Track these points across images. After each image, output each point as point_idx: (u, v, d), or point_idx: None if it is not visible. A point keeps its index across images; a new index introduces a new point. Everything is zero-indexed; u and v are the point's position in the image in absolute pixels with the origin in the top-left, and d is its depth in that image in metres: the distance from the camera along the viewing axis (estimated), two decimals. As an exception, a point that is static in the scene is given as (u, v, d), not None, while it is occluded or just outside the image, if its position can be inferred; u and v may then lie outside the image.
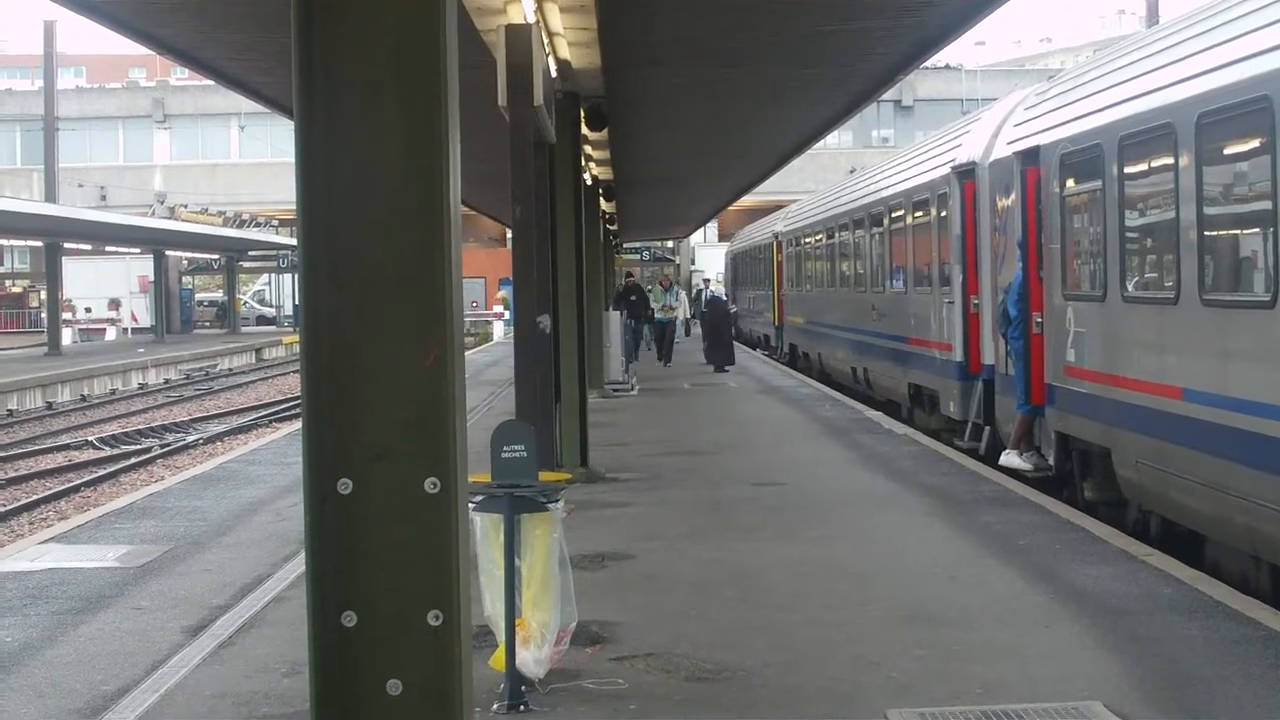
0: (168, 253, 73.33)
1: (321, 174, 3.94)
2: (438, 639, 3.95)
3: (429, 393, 3.94)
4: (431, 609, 3.94)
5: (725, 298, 48.04)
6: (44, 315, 65.43)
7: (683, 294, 49.38)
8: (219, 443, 33.37)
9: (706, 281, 63.83)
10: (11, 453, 31.48)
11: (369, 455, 3.93)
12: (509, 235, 71.13)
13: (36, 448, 32.66)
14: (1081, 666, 9.58)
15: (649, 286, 53.61)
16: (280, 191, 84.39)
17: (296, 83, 3.94)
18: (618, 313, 36.91)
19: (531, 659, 9.03)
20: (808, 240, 41.21)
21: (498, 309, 77.37)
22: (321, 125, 3.94)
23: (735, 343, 44.49)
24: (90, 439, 33.90)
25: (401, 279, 3.93)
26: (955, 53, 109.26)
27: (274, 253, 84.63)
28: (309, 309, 3.94)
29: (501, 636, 8.93)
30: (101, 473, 28.02)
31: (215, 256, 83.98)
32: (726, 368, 40.15)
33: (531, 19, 14.99)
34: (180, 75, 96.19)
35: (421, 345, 3.93)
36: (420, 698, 3.95)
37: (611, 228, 48.02)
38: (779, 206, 56.96)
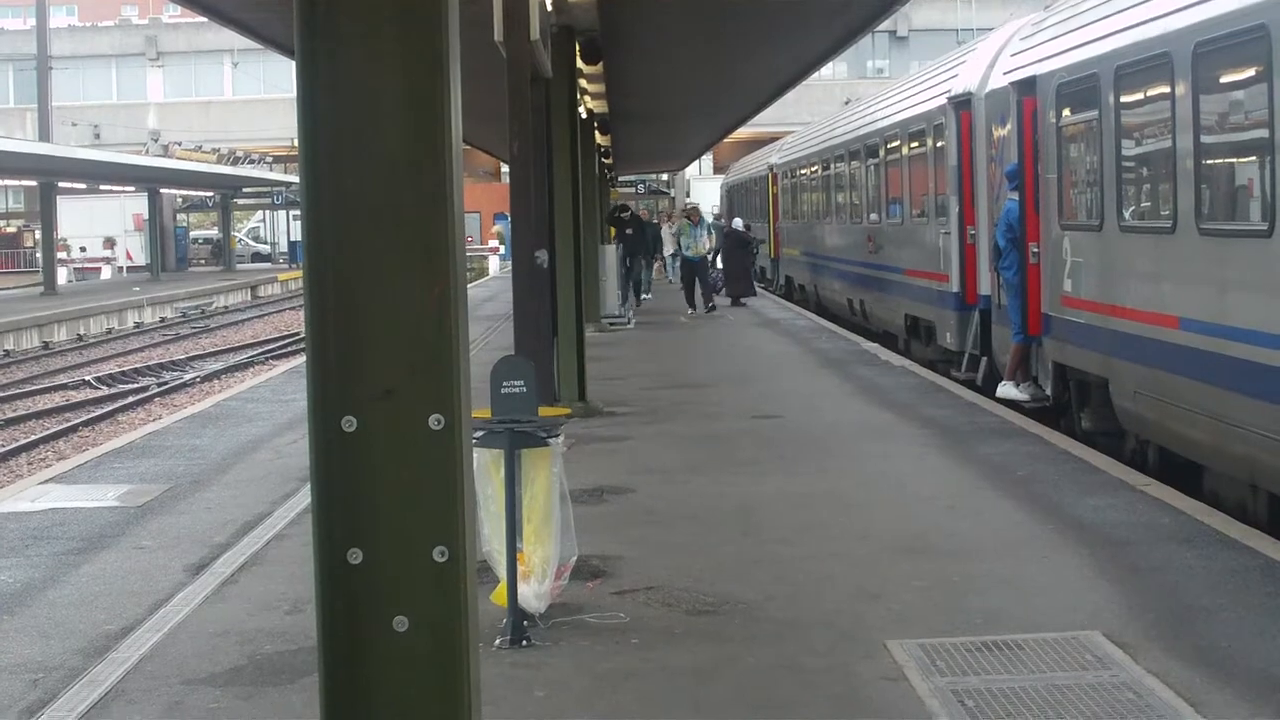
0: (162, 191, 73.14)
1: (323, 112, 3.93)
2: (444, 575, 3.96)
3: (433, 329, 3.94)
4: (437, 545, 3.95)
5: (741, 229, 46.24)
6: (39, 255, 65.27)
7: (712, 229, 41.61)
8: (216, 381, 33.40)
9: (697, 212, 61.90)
10: (9, 393, 31.49)
11: (374, 393, 3.93)
12: (503, 169, 70.99)
13: (34, 388, 32.70)
14: (1081, 597, 9.62)
15: (673, 222, 51.00)
16: (274, 127, 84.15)
17: (297, 20, 3.93)
18: (613, 246, 36.76)
19: (532, 594, 9.07)
20: (803, 172, 41.15)
21: (493, 243, 77.23)
22: (323, 63, 3.93)
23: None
24: (87, 378, 33.93)
25: (405, 215, 3.92)
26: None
27: (268, 189, 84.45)
28: (312, 248, 3.94)
29: (502, 572, 8.96)
30: (99, 412, 28.06)
31: (210, 194, 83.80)
32: (744, 300, 39.78)
33: (526, -48, 14.92)
34: (173, 13, 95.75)
35: (425, 282, 3.93)
36: (427, 634, 3.97)
37: (607, 161, 47.89)
38: (774, 138, 56.81)
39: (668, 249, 48.38)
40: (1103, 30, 15.37)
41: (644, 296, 42.37)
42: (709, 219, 47.92)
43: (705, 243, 38.78)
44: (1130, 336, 14.53)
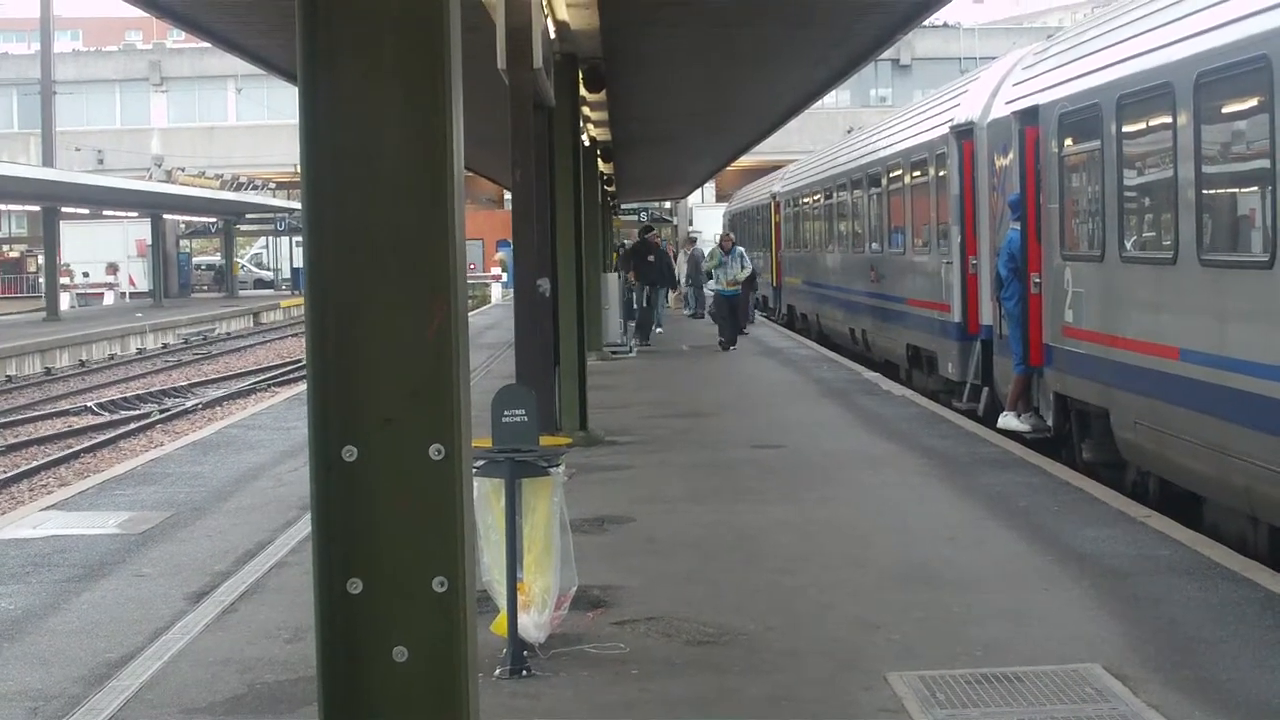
0: (165, 216, 73.19)
1: (325, 140, 3.94)
2: (443, 605, 3.96)
3: (433, 358, 3.95)
4: (437, 575, 3.96)
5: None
6: (42, 280, 65.35)
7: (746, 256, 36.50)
8: (218, 407, 33.38)
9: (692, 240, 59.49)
10: (11, 419, 31.47)
11: (374, 422, 3.94)
12: (506, 197, 71.07)
13: (36, 414, 32.66)
14: (1081, 628, 9.61)
15: (686, 250, 49.37)
16: (277, 154, 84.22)
17: (300, 47, 3.94)
18: (615, 274, 36.56)
19: (532, 624, 9.06)
20: (805, 201, 41.17)
21: (495, 271, 77.27)
22: (325, 90, 3.94)
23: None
24: (90, 404, 33.90)
25: (406, 244, 3.93)
26: (954, 11, 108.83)
27: (271, 216, 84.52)
28: (313, 277, 3.95)
29: (502, 602, 8.95)
30: (101, 439, 28.03)
31: (213, 220, 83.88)
32: (744, 330, 37.75)
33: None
34: (177, 38, 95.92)
35: (426, 310, 3.94)
36: (426, 664, 3.97)
37: (609, 189, 47.91)
38: (777, 167, 56.83)
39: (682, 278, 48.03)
40: (1105, 60, 15.40)
41: (656, 330, 39.69)
42: (709, 247, 46.09)
43: (739, 273, 35.18)
44: (1131, 367, 14.53)
